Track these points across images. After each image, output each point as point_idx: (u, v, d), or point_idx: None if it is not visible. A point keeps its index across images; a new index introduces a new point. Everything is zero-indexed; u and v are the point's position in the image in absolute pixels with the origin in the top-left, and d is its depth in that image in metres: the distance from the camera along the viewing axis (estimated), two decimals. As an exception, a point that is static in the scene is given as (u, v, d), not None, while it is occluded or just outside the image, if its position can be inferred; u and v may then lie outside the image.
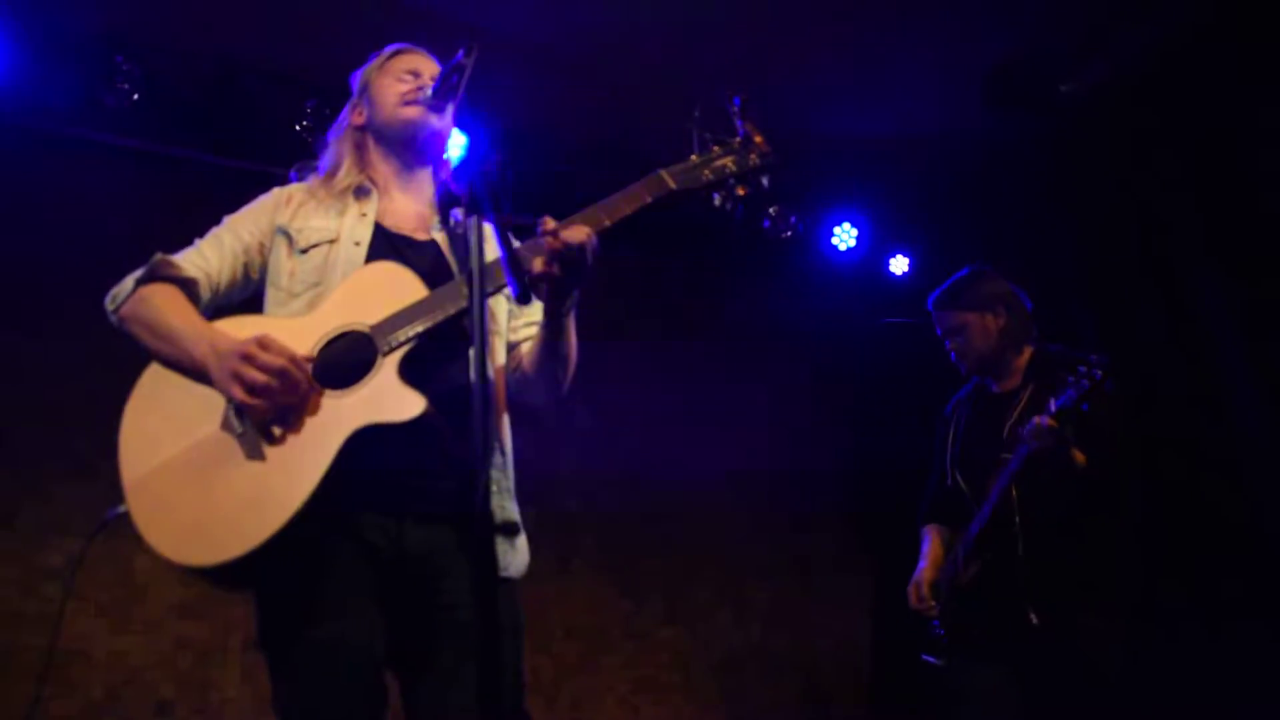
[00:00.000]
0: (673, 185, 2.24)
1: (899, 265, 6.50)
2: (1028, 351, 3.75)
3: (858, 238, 6.38)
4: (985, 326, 3.71)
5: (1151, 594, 4.63)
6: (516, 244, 2.20)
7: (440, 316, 2.11)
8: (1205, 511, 4.85)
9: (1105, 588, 3.41)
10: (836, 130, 5.60)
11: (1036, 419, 3.29)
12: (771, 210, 6.03)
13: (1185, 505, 4.87)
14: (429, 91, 2.35)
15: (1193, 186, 5.04)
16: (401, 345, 2.09)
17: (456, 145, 3.70)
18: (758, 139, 2.32)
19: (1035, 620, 3.32)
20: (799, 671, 6.20)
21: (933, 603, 3.66)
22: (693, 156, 2.30)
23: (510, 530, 2.28)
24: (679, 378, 6.29)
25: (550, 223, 2.08)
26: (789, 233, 6.16)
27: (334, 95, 5.16)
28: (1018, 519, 3.43)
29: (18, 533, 4.72)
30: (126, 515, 2.09)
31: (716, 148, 2.31)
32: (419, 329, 2.09)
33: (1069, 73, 5.16)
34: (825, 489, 6.68)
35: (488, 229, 1.84)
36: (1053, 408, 3.28)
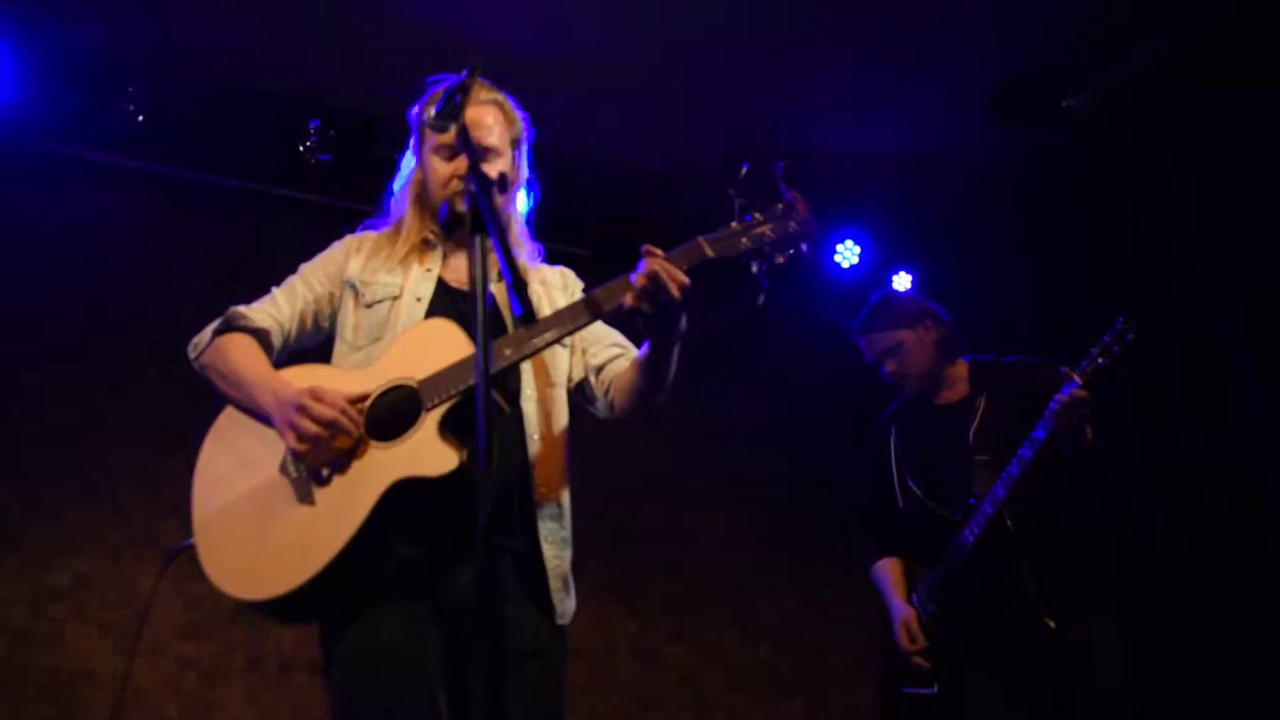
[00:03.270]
0: (710, 254, 2.26)
1: (902, 282, 6.49)
2: (963, 364, 3.79)
3: (861, 255, 6.37)
4: (921, 340, 3.75)
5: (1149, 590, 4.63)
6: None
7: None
8: (1213, 523, 4.85)
9: (1102, 585, 3.39)
10: (840, 146, 5.61)
11: (1063, 394, 3.25)
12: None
13: (1192, 518, 4.88)
14: (432, 112, 2.35)
15: (1196, 199, 5.05)
16: (443, 402, 2.16)
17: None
18: (800, 206, 2.34)
19: (1053, 625, 3.29)
20: (807, 691, 6.17)
21: (924, 640, 3.58)
22: (732, 224, 2.31)
23: (566, 580, 2.35)
24: (682, 394, 6.27)
25: (652, 250, 2.17)
26: (791, 250, 6.15)
27: (337, 117, 5.20)
28: (1014, 517, 3.40)
29: (25, 553, 4.72)
30: (193, 548, 2.26)
31: (757, 214, 2.33)
32: (460, 386, 2.16)
33: (1073, 88, 5.17)
34: (831, 506, 6.65)
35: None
36: (1077, 379, 3.25)
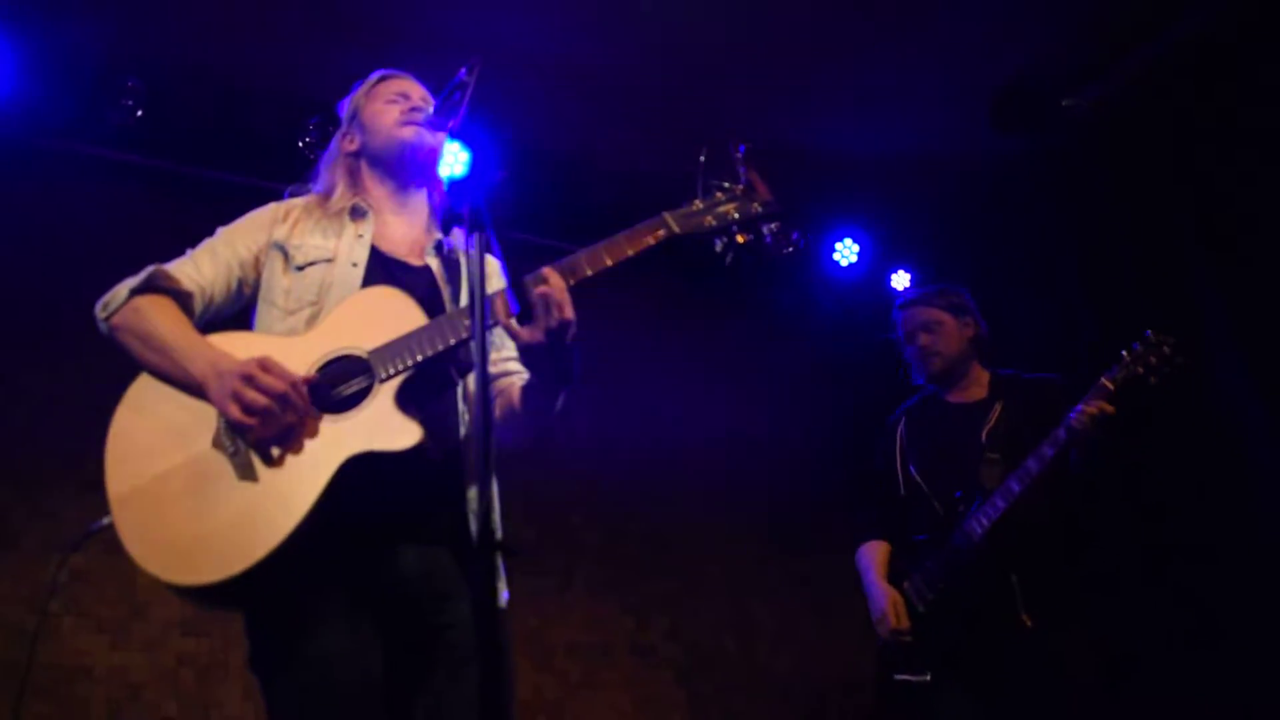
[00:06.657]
0: (675, 229, 2.24)
1: (901, 281, 6.50)
2: (986, 371, 3.88)
3: (859, 253, 6.38)
4: (960, 330, 3.85)
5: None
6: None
7: (440, 346, 2.10)
8: (1208, 526, 4.86)
9: (1080, 592, 3.44)
10: (839, 146, 5.62)
11: (1087, 406, 3.31)
12: (773, 226, 6.04)
13: (1187, 516, 4.88)
14: (430, 109, 2.35)
15: (1194, 200, 5.06)
16: (399, 373, 2.08)
17: (458, 162, 3.73)
18: (761, 188, 2.30)
19: (1029, 624, 3.34)
20: (803, 692, 6.17)
21: (908, 624, 3.61)
22: (696, 201, 2.29)
23: (508, 554, 2.26)
24: (681, 394, 6.28)
25: (547, 274, 2.10)
26: (790, 249, 6.17)
27: (337, 113, 5.20)
28: (1019, 514, 3.44)
29: (22, 551, 4.71)
30: (111, 528, 2.09)
31: (720, 194, 2.30)
32: (418, 357, 2.09)
33: (1071, 89, 5.17)
34: (829, 506, 6.65)
35: (489, 259, 1.84)
36: (1108, 386, 3.31)
